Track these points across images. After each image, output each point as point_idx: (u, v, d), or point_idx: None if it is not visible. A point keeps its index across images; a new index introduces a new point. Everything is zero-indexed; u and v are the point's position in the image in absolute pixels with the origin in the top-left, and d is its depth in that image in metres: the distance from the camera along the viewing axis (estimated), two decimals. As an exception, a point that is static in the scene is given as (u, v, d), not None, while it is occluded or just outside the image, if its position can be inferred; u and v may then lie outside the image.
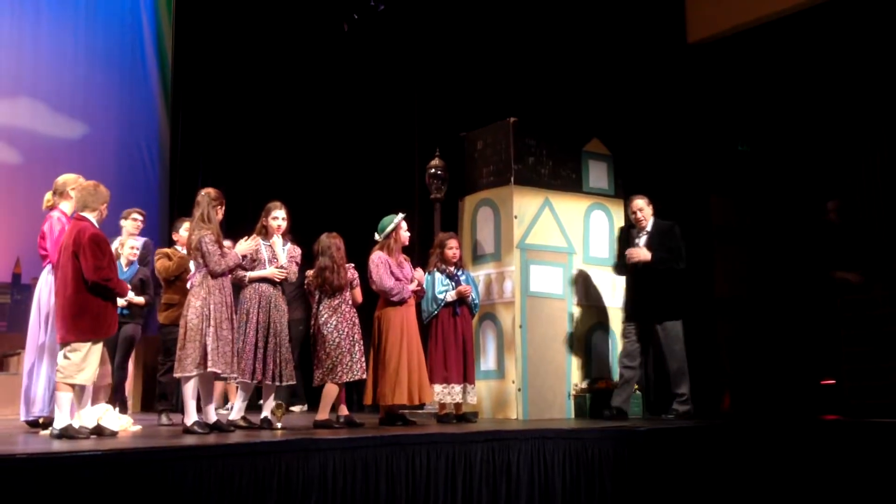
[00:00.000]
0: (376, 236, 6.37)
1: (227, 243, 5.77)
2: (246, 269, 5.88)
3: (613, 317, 7.64)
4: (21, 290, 8.56)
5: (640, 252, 6.69)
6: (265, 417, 5.90)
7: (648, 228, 6.76)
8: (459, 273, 6.73)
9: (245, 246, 5.80)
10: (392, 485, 4.80)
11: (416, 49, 8.90)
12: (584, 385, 7.25)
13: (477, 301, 6.82)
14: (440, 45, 8.71)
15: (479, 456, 5.14)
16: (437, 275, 6.66)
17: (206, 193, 5.68)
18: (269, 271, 5.91)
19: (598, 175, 7.80)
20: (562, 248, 7.40)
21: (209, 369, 5.37)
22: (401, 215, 6.40)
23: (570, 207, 7.50)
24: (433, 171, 7.82)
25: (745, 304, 8.23)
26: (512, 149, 7.40)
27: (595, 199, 7.71)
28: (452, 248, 6.73)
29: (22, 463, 3.87)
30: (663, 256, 6.63)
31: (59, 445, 4.61)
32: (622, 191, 7.92)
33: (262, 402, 5.99)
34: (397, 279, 6.22)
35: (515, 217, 7.23)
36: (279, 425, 5.77)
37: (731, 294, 8.09)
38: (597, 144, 7.86)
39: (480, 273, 7.32)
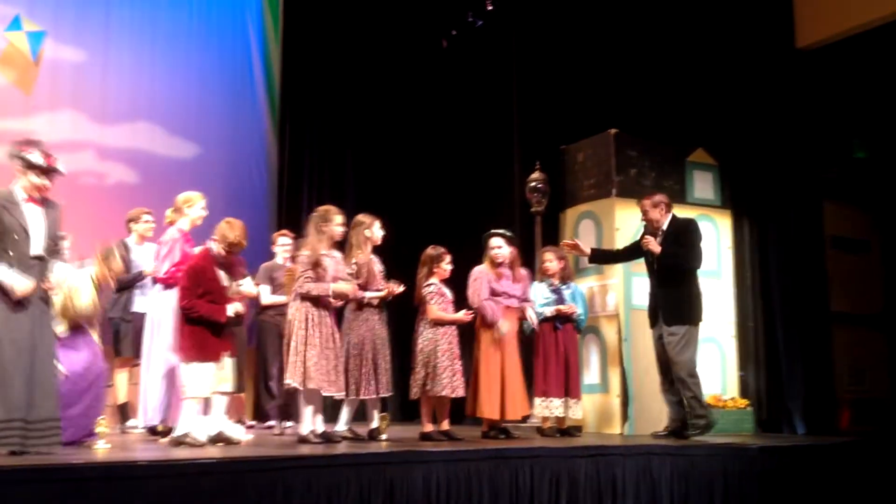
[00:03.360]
0: None
1: (336, 254, 5.84)
2: (362, 289, 5.94)
3: (721, 330, 7.45)
4: (141, 304, 8.95)
5: (653, 242, 6.27)
6: (372, 429, 5.98)
7: (664, 228, 6.31)
8: (564, 287, 6.66)
9: (345, 288, 5.68)
10: (495, 499, 4.79)
11: (516, 62, 8.91)
12: (691, 400, 7.06)
13: (583, 317, 6.73)
14: (539, 58, 8.68)
15: (583, 471, 5.09)
16: (540, 287, 6.62)
17: (314, 213, 5.79)
18: (377, 295, 6.00)
19: (703, 185, 7.64)
20: (666, 260, 7.23)
21: (308, 386, 5.44)
22: (493, 232, 6.34)
23: (674, 219, 7.34)
24: (534, 184, 7.80)
25: (865, 317, 7.86)
26: (613, 160, 7.33)
27: (701, 210, 7.52)
28: (545, 262, 6.69)
29: (143, 469, 4.05)
30: (670, 252, 6.21)
31: (176, 453, 4.81)
32: (730, 201, 7.74)
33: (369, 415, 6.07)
34: (496, 294, 6.20)
35: (618, 229, 7.14)
36: (384, 437, 5.85)
37: (849, 307, 7.73)
38: (702, 154, 7.71)
39: (583, 286, 7.25)
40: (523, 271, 6.41)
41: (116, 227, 7.54)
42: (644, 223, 6.46)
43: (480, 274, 6.22)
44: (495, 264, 6.27)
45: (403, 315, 6.44)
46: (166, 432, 5.94)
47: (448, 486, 4.66)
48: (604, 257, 6.85)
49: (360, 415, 6.22)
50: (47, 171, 4.63)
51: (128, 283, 6.80)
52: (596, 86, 8.20)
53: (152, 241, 6.94)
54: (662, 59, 7.99)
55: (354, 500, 4.36)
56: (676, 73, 7.92)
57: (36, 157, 4.59)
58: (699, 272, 7.19)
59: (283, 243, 7.48)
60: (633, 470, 5.23)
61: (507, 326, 6.08)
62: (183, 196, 6.27)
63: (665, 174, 7.49)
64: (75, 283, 5.16)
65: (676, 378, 6.11)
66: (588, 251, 6.72)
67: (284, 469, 4.32)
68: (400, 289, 6.01)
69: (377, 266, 6.10)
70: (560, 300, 6.58)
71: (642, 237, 6.38)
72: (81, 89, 9.15)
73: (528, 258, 7.73)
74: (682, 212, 7.39)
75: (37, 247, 4.61)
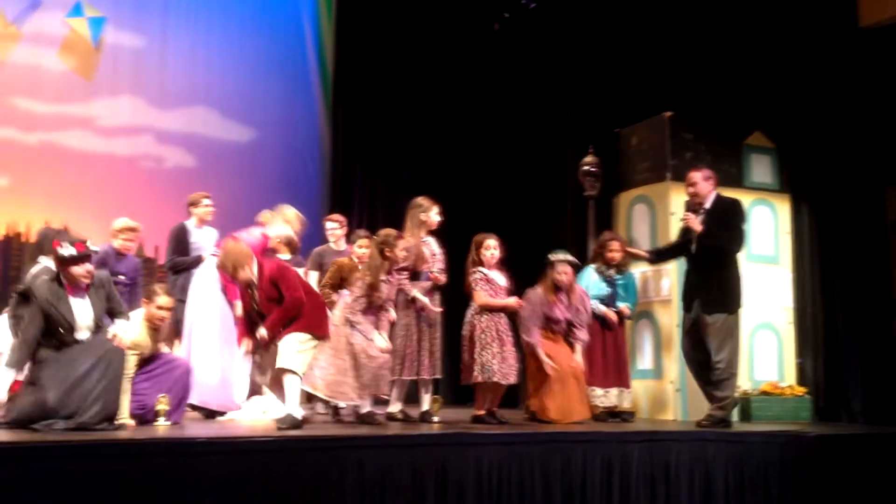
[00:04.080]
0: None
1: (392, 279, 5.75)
2: (412, 274, 6.02)
3: (778, 316, 7.33)
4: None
5: (694, 219, 5.93)
6: (424, 411, 6.02)
7: (707, 206, 6.01)
8: (619, 278, 6.60)
9: (382, 345, 5.56)
10: (547, 482, 4.79)
11: (569, 44, 8.81)
12: (747, 387, 6.96)
13: (632, 307, 6.68)
14: (593, 40, 8.59)
15: (636, 456, 5.05)
16: (594, 276, 6.56)
17: (378, 236, 5.73)
18: (420, 298, 6.03)
19: (760, 169, 7.50)
20: (722, 245, 7.12)
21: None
22: (561, 256, 6.21)
23: (730, 203, 7.21)
24: (587, 167, 7.72)
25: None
26: (668, 144, 7.23)
27: (758, 195, 7.40)
28: (611, 250, 6.58)
29: (201, 446, 4.16)
30: (711, 232, 5.90)
31: (231, 431, 4.92)
32: (788, 185, 7.58)
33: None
34: (552, 320, 6.10)
35: (672, 213, 7.03)
36: (436, 419, 5.89)
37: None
38: (759, 137, 7.56)
39: (636, 271, 7.18)
40: (578, 288, 6.31)
41: (175, 209, 7.66)
42: (687, 199, 6.22)
43: (536, 299, 6.06)
44: (554, 290, 6.16)
45: (459, 299, 6.43)
46: (221, 412, 6.07)
47: (500, 468, 4.68)
48: (665, 256, 6.55)
49: (413, 397, 6.27)
50: (83, 258, 4.69)
51: (186, 266, 6.93)
52: (651, 68, 8.07)
53: (211, 226, 7.06)
54: (719, 40, 7.82)
55: (406, 481, 4.41)
56: (733, 53, 7.75)
57: (68, 250, 4.65)
58: (752, 257, 7.11)
59: (330, 227, 7.46)
60: (687, 456, 5.18)
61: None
62: (290, 211, 6.51)
63: (721, 157, 7.35)
64: (133, 338, 5.15)
65: (713, 373, 5.87)
66: (646, 254, 6.50)
67: (339, 449, 4.39)
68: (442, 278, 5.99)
69: (431, 249, 6.11)
70: (613, 294, 6.52)
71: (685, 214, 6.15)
72: (140, 75, 9.33)
73: (580, 243, 7.70)
74: (738, 197, 7.28)
75: (83, 332, 4.73)
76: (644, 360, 7.14)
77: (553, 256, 6.20)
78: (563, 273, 6.11)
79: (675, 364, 6.86)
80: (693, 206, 6.11)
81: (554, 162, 8.74)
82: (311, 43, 10.16)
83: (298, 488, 4.14)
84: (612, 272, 6.58)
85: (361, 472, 4.31)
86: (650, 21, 8.24)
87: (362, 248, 6.07)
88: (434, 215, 6.11)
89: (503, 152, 9.54)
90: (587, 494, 4.86)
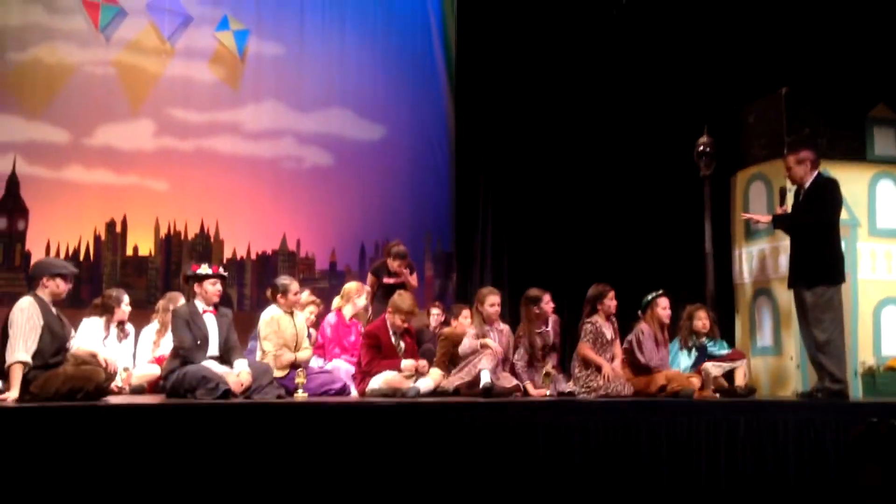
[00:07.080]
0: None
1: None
2: None
3: (906, 292, 7.17)
4: (336, 276, 9.76)
5: (756, 216, 6.47)
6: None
7: (807, 186, 6.07)
8: (710, 343, 6.69)
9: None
10: (653, 443, 5.01)
11: (682, 23, 8.75)
12: (872, 363, 6.87)
13: None
14: (705, 17, 8.52)
15: (742, 423, 5.17)
16: (682, 351, 6.72)
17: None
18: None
19: (885, 142, 7.35)
20: (843, 220, 7.02)
21: None
22: (659, 292, 6.43)
23: (851, 177, 7.10)
24: (702, 147, 7.76)
25: None
26: (785, 120, 7.21)
27: (881, 168, 7.26)
28: (702, 320, 6.66)
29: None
30: (781, 217, 6.19)
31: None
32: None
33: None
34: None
35: (790, 190, 7.01)
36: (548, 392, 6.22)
37: None
38: (883, 109, 7.41)
39: (754, 248, 7.22)
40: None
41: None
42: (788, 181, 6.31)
43: (638, 333, 6.29)
44: (660, 327, 6.36)
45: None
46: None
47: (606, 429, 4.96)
48: (781, 221, 6.52)
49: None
50: (217, 277, 5.68)
51: None
52: (768, 43, 7.97)
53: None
54: (836, 9, 7.65)
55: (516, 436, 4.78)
56: (853, 23, 7.59)
57: (205, 269, 5.70)
58: (876, 231, 7.00)
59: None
60: (795, 425, 5.25)
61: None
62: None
63: (842, 131, 7.26)
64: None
65: (814, 343, 5.94)
66: (765, 218, 6.51)
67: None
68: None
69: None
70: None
71: (782, 197, 6.34)
72: (281, 81, 9.99)
73: (696, 225, 7.72)
74: (860, 171, 7.19)
75: (213, 349, 5.58)
76: (763, 336, 7.17)
77: (654, 295, 6.39)
78: (666, 308, 6.35)
79: (794, 340, 6.85)
80: (796, 185, 6.21)
81: (669, 143, 8.73)
82: (437, 43, 10.52)
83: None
84: (702, 340, 6.66)
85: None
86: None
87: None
88: (544, 305, 6.39)
89: (618, 133, 9.43)
90: (693, 456, 5.05)
